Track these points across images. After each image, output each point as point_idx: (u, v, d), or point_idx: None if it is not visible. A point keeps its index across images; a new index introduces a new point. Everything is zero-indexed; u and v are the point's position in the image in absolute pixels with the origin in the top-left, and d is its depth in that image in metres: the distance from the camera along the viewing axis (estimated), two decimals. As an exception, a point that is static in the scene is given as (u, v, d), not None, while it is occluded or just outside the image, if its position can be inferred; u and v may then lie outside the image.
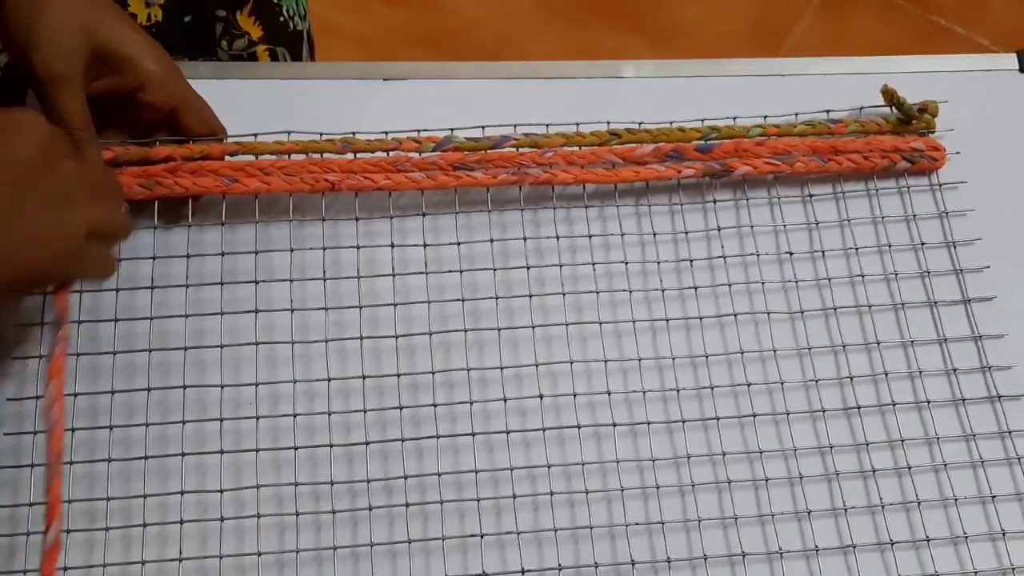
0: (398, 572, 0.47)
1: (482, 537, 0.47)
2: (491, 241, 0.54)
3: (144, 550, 0.46)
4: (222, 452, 0.48)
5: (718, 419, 0.51)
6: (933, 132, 0.57)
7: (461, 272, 0.53)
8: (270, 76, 0.60)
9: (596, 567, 0.47)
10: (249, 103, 0.58)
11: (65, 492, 0.46)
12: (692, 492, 0.49)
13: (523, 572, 0.47)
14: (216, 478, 0.47)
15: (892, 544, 0.48)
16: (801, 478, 0.49)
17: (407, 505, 0.47)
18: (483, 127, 0.56)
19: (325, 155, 0.54)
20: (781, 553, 0.48)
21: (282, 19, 0.73)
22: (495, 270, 0.53)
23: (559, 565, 0.47)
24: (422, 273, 0.53)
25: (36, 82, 0.49)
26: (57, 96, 0.48)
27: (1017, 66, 0.61)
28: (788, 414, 0.51)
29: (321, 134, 0.55)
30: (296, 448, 0.48)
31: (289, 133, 0.55)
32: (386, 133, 0.55)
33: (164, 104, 0.52)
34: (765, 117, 0.57)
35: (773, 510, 0.49)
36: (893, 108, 0.57)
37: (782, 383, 0.51)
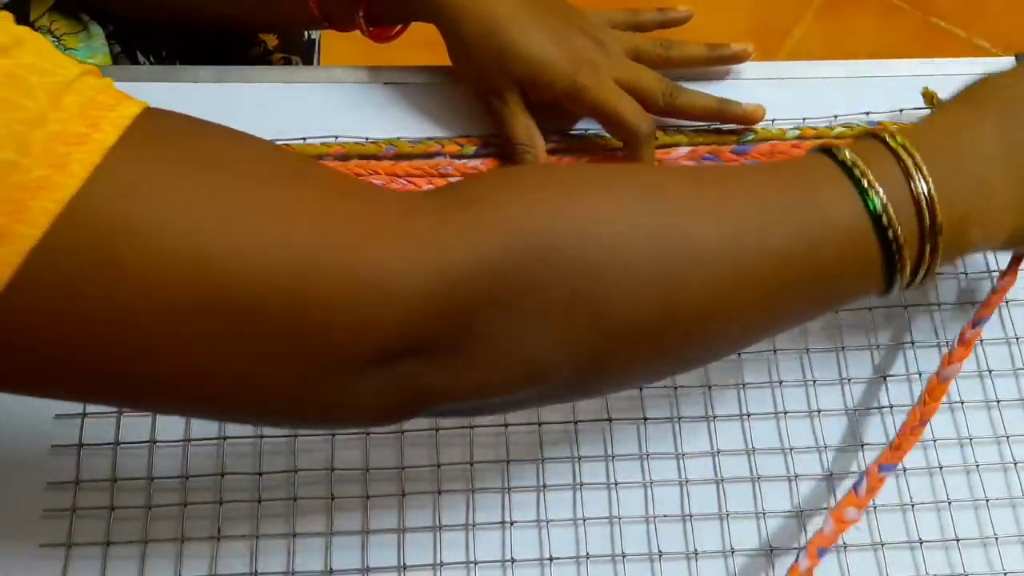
0: (431, 558, 0.48)
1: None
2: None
3: (192, 531, 0.48)
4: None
5: (749, 415, 0.51)
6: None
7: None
8: (272, 80, 0.61)
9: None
10: (250, 107, 0.59)
11: (120, 475, 0.49)
12: (721, 486, 0.50)
13: (552, 561, 0.48)
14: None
15: (921, 543, 0.48)
16: (831, 475, 0.50)
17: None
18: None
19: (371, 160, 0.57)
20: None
21: None
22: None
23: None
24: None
25: (484, 104, 0.56)
26: (499, 122, 0.55)
27: None
28: (855, 410, 0.52)
29: (367, 138, 0.57)
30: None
31: (336, 137, 0.57)
32: (429, 137, 0.57)
33: (581, 112, 0.56)
34: (804, 119, 0.58)
35: (802, 506, 0.49)
36: (932, 110, 0.57)
37: (849, 379, 0.52)
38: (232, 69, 0.61)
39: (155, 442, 0.50)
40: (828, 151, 0.41)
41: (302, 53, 0.77)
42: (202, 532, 0.48)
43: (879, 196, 0.39)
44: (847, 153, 0.40)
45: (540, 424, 0.51)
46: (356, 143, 0.57)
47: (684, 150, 0.57)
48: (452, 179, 0.56)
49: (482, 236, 0.35)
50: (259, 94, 0.60)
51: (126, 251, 0.31)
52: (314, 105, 0.59)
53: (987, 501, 0.49)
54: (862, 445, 0.51)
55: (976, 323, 0.48)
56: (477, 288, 0.35)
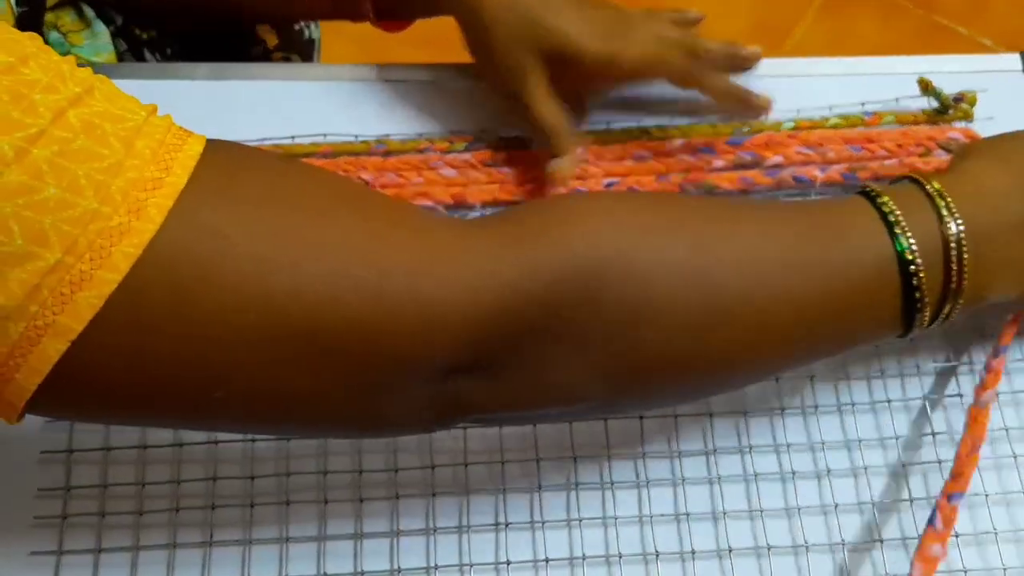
0: None
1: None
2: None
3: (184, 537, 0.48)
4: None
5: (783, 410, 0.51)
6: (972, 122, 0.56)
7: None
8: (268, 77, 0.60)
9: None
10: (247, 105, 0.58)
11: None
12: (719, 483, 0.49)
13: None
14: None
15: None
16: (830, 471, 0.49)
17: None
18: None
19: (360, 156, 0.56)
20: (807, 546, 0.48)
21: (297, 27, 0.75)
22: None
23: None
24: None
25: (507, 98, 0.54)
26: (526, 108, 0.53)
27: (1020, 67, 0.60)
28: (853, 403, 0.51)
29: (356, 136, 0.56)
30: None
31: (325, 135, 0.56)
32: (419, 134, 0.57)
33: (620, 78, 0.56)
34: (798, 111, 0.57)
35: (799, 503, 0.49)
36: (929, 99, 0.56)
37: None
38: (229, 66, 0.61)
39: (145, 447, 0.49)
40: (868, 195, 0.43)
41: (302, 52, 0.76)
42: (194, 538, 0.48)
43: (908, 240, 0.41)
44: (885, 198, 0.42)
45: (535, 424, 0.50)
46: (345, 142, 0.56)
47: (679, 142, 0.56)
48: (442, 171, 0.55)
49: (533, 272, 0.38)
50: (256, 91, 0.59)
51: (200, 290, 0.33)
52: (312, 102, 0.59)
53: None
54: (860, 440, 0.50)
55: (997, 352, 0.48)
56: (524, 318, 0.38)
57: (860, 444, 0.50)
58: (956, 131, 0.55)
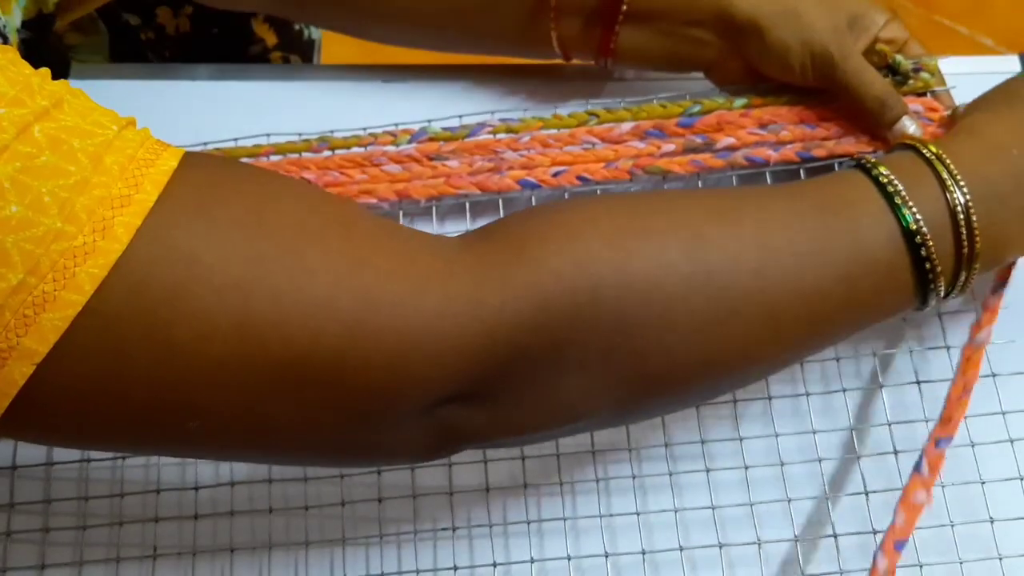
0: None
1: None
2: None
3: None
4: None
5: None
6: (933, 92, 0.54)
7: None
8: (268, 78, 0.60)
9: None
10: (248, 105, 0.58)
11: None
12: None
13: None
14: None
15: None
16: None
17: None
18: (460, 116, 0.55)
19: (303, 155, 0.55)
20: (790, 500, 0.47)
21: (297, 27, 0.74)
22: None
23: None
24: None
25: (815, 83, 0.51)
26: (845, 86, 0.50)
27: (1020, 67, 0.57)
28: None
29: (300, 134, 0.55)
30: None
31: (268, 135, 0.55)
32: (364, 129, 0.55)
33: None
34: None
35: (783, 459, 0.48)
36: (886, 70, 0.53)
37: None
38: (229, 67, 0.60)
39: (89, 461, 0.49)
40: (863, 167, 0.41)
41: (301, 52, 0.76)
42: (137, 551, 0.48)
43: (912, 213, 0.39)
44: (882, 169, 0.41)
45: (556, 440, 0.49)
46: (288, 142, 0.55)
47: (627, 126, 0.54)
48: (386, 168, 0.54)
49: (521, 295, 0.36)
50: (256, 91, 0.59)
51: (170, 315, 0.32)
52: (312, 103, 0.58)
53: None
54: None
55: (996, 289, 0.47)
56: (516, 344, 0.36)
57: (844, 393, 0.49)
58: (916, 103, 0.53)
